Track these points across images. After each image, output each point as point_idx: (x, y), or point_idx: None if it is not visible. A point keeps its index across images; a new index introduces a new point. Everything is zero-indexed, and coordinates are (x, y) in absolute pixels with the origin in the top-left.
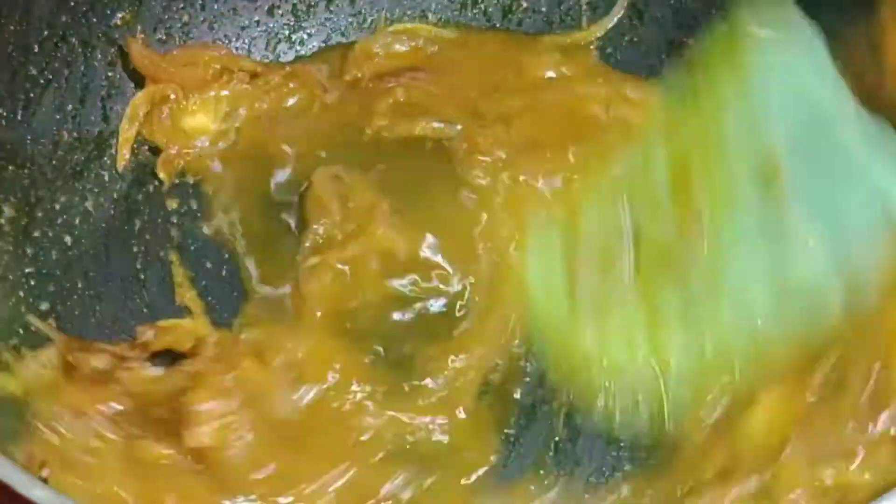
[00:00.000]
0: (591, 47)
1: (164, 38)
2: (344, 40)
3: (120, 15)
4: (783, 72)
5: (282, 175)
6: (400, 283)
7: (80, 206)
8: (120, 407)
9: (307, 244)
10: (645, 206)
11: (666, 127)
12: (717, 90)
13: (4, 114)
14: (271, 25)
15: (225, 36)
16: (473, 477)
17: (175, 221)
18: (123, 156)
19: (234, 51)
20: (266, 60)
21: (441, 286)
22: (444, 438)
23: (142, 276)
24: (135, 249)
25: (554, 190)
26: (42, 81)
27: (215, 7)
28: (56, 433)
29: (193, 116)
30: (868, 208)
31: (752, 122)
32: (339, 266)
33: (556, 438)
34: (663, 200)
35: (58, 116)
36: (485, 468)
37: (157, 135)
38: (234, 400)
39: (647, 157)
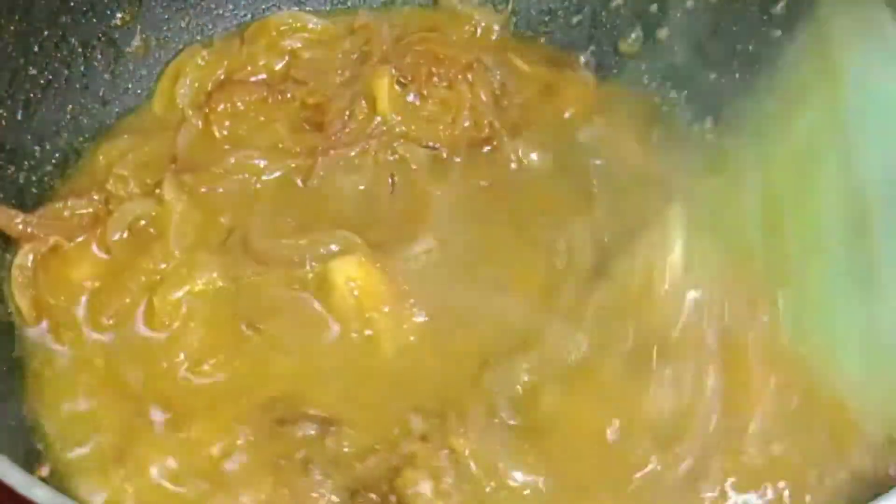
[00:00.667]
0: None
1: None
2: None
3: (120, 15)
4: (878, 97)
5: None
6: None
7: None
8: None
9: None
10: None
11: (757, 152)
12: (810, 116)
13: (4, 114)
14: None
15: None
16: None
17: None
18: (30, 319)
19: None
20: None
21: None
22: None
23: None
24: None
25: None
26: (42, 81)
27: (213, 10)
28: None
29: (79, 265)
30: None
31: (846, 158)
32: None
33: None
34: (754, 234)
35: (58, 116)
36: None
37: (46, 291)
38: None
39: (740, 181)
